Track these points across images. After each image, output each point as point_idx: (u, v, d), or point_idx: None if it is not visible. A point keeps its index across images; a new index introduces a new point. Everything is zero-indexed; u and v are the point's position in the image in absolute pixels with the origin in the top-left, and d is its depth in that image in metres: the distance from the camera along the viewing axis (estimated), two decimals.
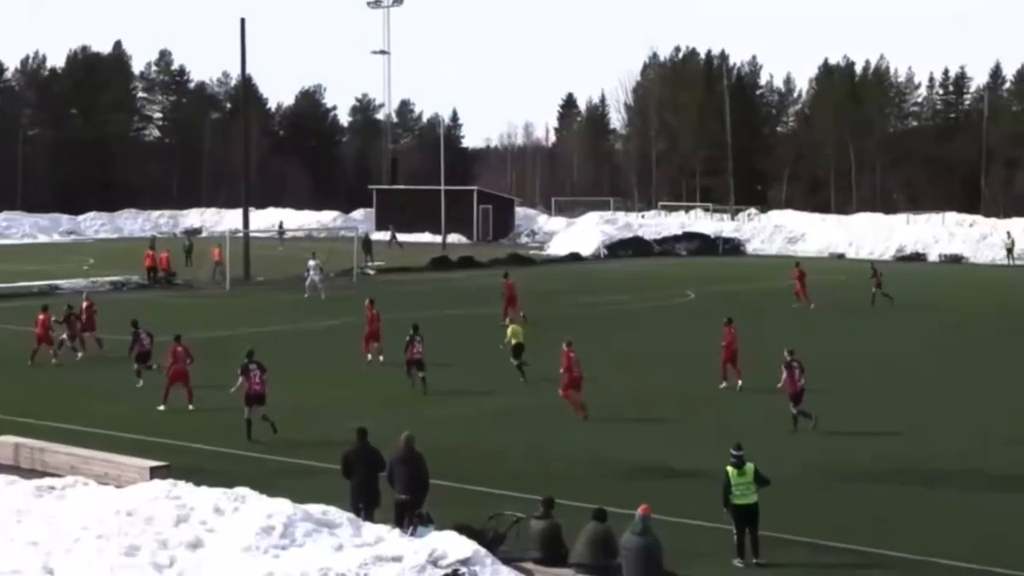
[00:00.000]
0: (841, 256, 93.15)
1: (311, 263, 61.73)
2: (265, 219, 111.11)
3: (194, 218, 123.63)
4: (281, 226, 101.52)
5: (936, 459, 28.10)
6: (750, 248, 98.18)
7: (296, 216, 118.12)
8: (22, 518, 18.81)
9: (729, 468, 20.83)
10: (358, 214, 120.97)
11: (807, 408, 30.73)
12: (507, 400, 34.63)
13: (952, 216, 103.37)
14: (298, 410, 32.99)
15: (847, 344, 46.61)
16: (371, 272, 74.27)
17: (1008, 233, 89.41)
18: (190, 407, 32.95)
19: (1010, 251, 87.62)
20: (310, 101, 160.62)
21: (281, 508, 18.33)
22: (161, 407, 32.97)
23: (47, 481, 20.70)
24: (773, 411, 32.68)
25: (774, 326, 51.83)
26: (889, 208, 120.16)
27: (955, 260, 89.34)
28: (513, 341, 38.37)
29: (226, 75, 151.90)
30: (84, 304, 45.27)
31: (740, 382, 36.15)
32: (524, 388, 36.30)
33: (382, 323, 41.60)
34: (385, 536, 18.27)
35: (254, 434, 29.60)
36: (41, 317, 41.77)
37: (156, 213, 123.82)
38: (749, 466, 20.81)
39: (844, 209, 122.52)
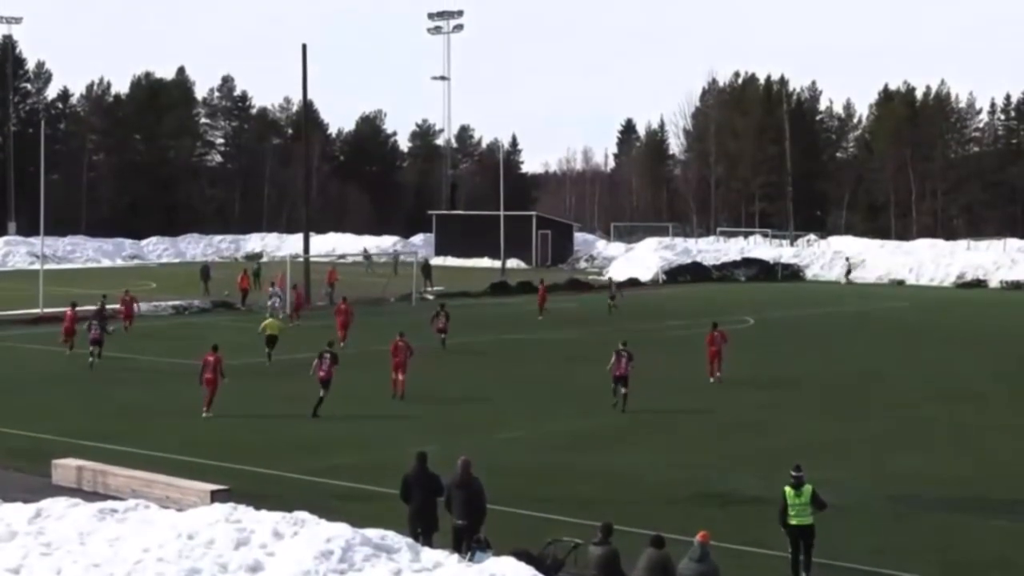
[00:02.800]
0: (901, 283, 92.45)
1: (271, 290, 63.43)
2: (325, 243, 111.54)
3: (255, 242, 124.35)
4: (366, 251, 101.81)
5: (1004, 488, 27.76)
6: (809, 274, 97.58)
7: (356, 241, 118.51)
8: (85, 540, 18.89)
9: (787, 488, 20.83)
10: (417, 239, 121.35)
11: (626, 392, 36.22)
12: (566, 425, 34.53)
13: (1014, 242, 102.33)
14: (356, 434, 33.06)
15: (908, 370, 46.26)
16: (430, 296, 74.37)
17: (847, 258, 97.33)
18: (204, 414, 34.96)
19: (848, 272, 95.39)
20: (370, 126, 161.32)
21: (340, 532, 18.30)
22: (204, 414, 35.05)
23: (109, 504, 20.76)
24: (835, 438, 32.51)
25: (834, 350, 51.59)
26: (949, 234, 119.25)
27: (1017, 287, 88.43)
28: (267, 332, 45.98)
29: (288, 101, 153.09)
30: (125, 297, 55.92)
31: (713, 378, 42.02)
32: (583, 413, 36.20)
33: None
34: (443, 561, 18.20)
35: (320, 412, 35.09)
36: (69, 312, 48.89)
37: (218, 238, 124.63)
38: (807, 487, 20.79)
39: (904, 235, 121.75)
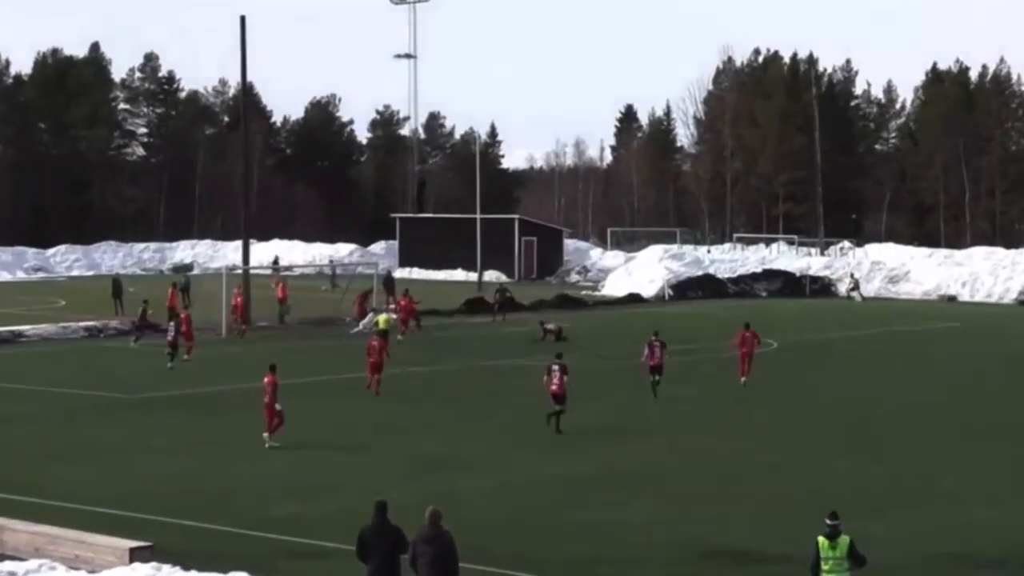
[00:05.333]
0: (953, 299, 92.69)
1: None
2: (269, 253, 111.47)
3: (184, 252, 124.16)
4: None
5: None
6: (843, 288, 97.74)
7: (306, 249, 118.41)
8: None
9: (820, 539, 20.87)
10: (378, 247, 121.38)
11: (660, 379, 44.74)
12: (553, 469, 34.50)
13: None
14: (305, 480, 32.99)
15: (960, 404, 46.37)
16: (395, 315, 74.27)
17: (852, 274, 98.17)
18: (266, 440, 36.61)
19: (855, 289, 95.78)
20: (322, 113, 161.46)
21: None
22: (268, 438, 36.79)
23: (6, 566, 20.71)
24: (871, 485, 32.55)
25: (872, 379, 51.65)
26: (1010, 241, 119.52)
27: None
28: (380, 327, 54.47)
29: (223, 83, 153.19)
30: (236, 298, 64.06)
31: (743, 379, 48.08)
32: (575, 455, 36.21)
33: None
34: None
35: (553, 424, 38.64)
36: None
37: (140, 246, 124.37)
38: (844, 539, 20.83)
39: (956, 243, 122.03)
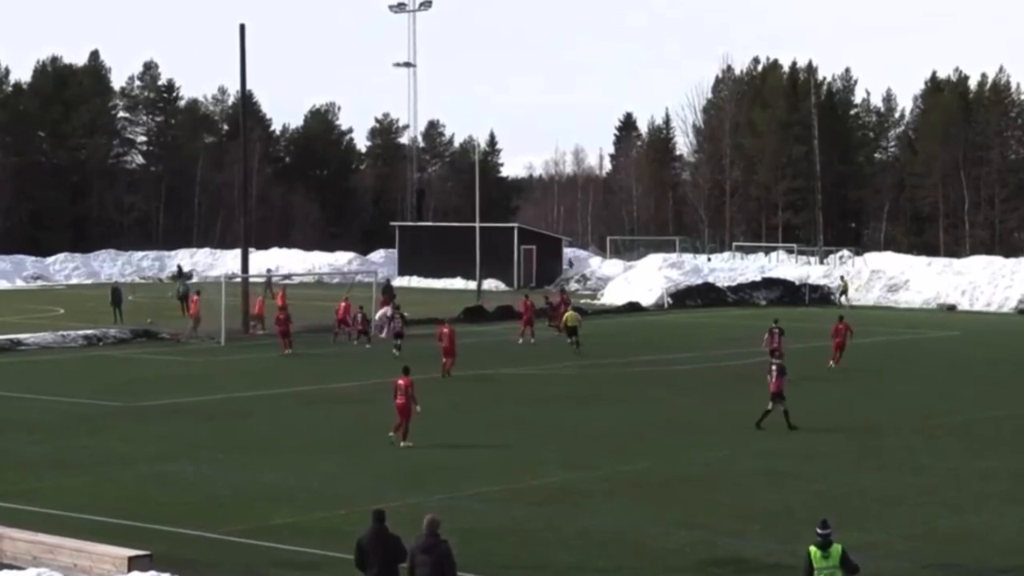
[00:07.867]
0: (952, 308, 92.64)
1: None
2: (268, 261, 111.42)
3: (184, 260, 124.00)
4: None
5: None
6: (842, 297, 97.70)
7: (304, 258, 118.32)
8: None
9: (812, 548, 20.80)
10: (377, 255, 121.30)
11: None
12: (552, 477, 34.49)
13: None
14: (303, 488, 32.99)
15: (961, 412, 46.37)
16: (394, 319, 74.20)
17: (842, 277, 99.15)
18: (401, 444, 37.57)
19: (844, 293, 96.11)
20: (321, 122, 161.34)
21: None
22: (402, 444, 37.79)
23: (5, 574, 20.72)
24: (872, 493, 32.54)
25: (872, 388, 51.67)
26: (1009, 250, 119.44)
27: None
28: (569, 324, 62.25)
29: (223, 91, 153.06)
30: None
31: (833, 364, 56.01)
32: (572, 462, 36.22)
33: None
34: None
35: (764, 424, 40.88)
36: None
37: (139, 255, 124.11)
38: (836, 547, 20.78)
39: (955, 251, 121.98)
